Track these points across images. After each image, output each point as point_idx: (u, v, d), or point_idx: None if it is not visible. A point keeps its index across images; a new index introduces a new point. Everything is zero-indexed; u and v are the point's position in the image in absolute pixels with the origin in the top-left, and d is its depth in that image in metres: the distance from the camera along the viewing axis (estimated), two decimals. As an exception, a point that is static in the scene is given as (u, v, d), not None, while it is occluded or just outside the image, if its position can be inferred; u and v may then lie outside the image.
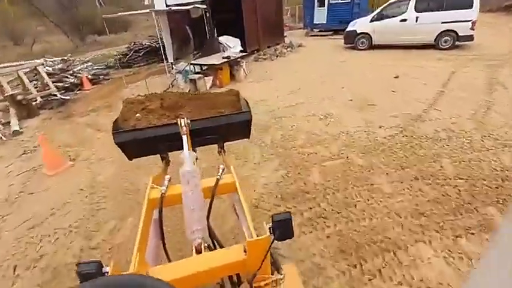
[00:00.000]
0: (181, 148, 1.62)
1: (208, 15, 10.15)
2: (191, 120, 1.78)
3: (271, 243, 1.11)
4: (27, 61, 10.17)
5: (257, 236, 1.18)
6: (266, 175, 3.93)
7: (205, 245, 1.36)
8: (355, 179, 3.66)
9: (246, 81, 8.67)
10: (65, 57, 10.06)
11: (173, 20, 10.29)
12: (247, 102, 2.10)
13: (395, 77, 7.54)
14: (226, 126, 1.93)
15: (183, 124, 1.69)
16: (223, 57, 8.44)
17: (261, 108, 6.34)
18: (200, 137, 1.90)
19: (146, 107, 2.11)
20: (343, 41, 12.19)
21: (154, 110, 2.09)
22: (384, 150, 4.23)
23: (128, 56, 13.53)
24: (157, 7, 9.88)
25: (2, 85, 8.07)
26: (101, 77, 10.33)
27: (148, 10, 8.61)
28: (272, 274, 1.21)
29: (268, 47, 12.67)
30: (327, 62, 10.10)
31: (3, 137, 6.04)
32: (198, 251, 1.30)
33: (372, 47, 11.27)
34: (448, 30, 9.85)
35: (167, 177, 1.54)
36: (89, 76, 9.79)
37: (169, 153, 2.06)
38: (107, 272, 1.01)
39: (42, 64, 9.19)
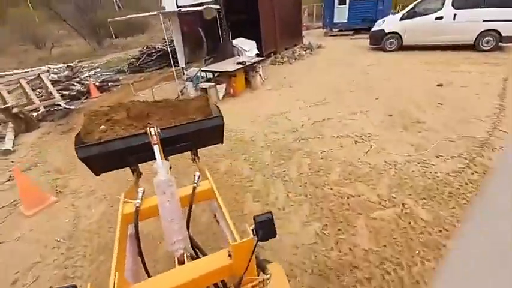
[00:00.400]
0: (153, 158, 1.57)
1: (221, 16, 9.11)
2: (161, 129, 1.71)
3: (256, 245, 1.08)
4: (36, 67, 9.48)
5: (240, 239, 1.14)
6: (294, 231, 2.83)
7: (188, 254, 1.33)
8: (421, 244, 2.51)
9: (263, 88, 7.60)
10: (71, 64, 9.31)
11: (185, 22, 9.31)
12: (218, 108, 2.04)
13: (439, 85, 6.24)
14: (198, 133, 1.86)
15: (153, 133, 1.62)
16: (237, 63, 7.39)
17: (283, 125, 5.25)
18: (172, 145, 1.83)
19: (111, 118, 1.96)
20: (366, 41, 10.89)
21: (120, 120, 1.95)
22: (451, 194, 3.05)
23: (140, 60, 12.72)
24: (168, 9, 8.94)
25: (3, 95, 7.37)
26: (109, 83, 9.52)
27: (155, 12, 7.66)
28: (258, 275, 1.17)
29: (286, 48, 11.51)
30: (352, 65, 8.85)
31: (-5, 155, 5.27)
32: (181, 262, 1.27)
33: (402, 48, 9.93)
34: (490, 30, 8.40)
35: (141, 189, 1.45)
36: (97, 83, 8.99)
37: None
38: None
39: (48, 71, 8.45)
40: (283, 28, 11.11)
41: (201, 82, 7.28)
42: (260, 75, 7.85)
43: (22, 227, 3.42)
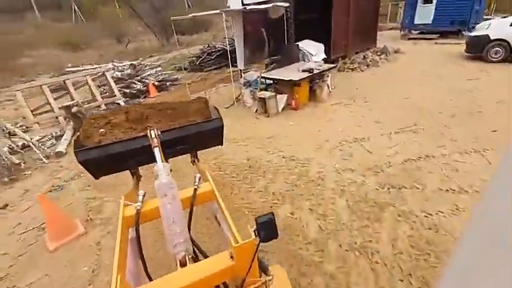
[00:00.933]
0: (153, 161, 1.52)
1: (290, 14, 7.91)
2: (162, 131, 1.68)
3: (258, 246, 1.05)
4: (103, 64, 9.49)
5: (242, 241, 1.09)
6: None
7: (189, 257, 1.27)
8: None
9: (330, 101, 6.23)
10: (135, 62, 9.10)
11: (248, 21, 8.35)
12: (217, 109, 2.01)
13: None
14: (198, 135, 1.83)
15: (153, 136, 1.59)
16: (303, 70, 6.15)
17: (360, 158, 3.88)
18: (172, 147, 1.77)
19: (110, 121, 1.92)
20: (456, 47, 8.70)
21: (119, 123, 1.90)
22: None
23: (200, 59, 12.24)
24: (232, 7, 8.07)
25: (70, 92, 7.31)
26: (168, 83, 9.12)
27: (218, 10, 6.81)
28: (260, 277, 1.14)
29: (356, 52, 9.85)
30: (445, 78, 6.91)
31: (44, 159, 4.97)
32: (183, 264, 1.22)
33: (509, 58, 7.58)
34: None
35: (141, 192, 1.42)
36: (156, 83, 8.63)
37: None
38: None
39: (113, 69, 8.29)
40: (356, 29, 9.45)
41: (259, 90, 6.23)
42: (328, 85, 6.51)
43: (39, 267, 2.76)
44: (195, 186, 1.47)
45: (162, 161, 1.46)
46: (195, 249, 1.43)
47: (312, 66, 6.30)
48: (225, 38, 14.55)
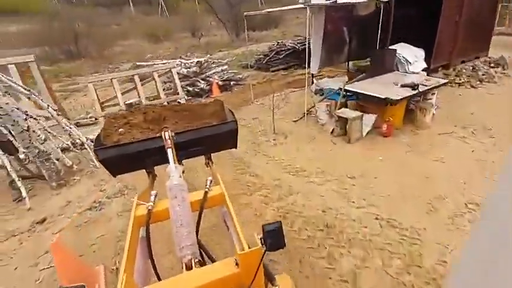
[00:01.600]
0: (168, 161, 1.51)
1: (389, 10, 6.16)
2: (176, 133, 1.69)
3: (264, 255, 1.00)
4: (171, 60, 9.04)
5: (248, 248, 1.04)
6: None
7: (196, 260, 1.18)
8: None
9: (436, 128, 4.46)
10: (201, 59, 8.39)
11: (330, 18, 6.83)
12: (232, 112, 1.97)
13: None
14: (212, 137, 1.79)
15: (167, 137, 1.59)
16: (402, 85, 4.50)
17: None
18: (186, 149, 1.77)
19: (129, 121, 1.91)
20: None
21: (137, 124, 1.90)
22: None
23: (267, 58, 11.11)
24: (317, 1, 6.61)
25: (137, 87, 6.94)
26: (232, 83, 8.24)
27: (302, 5, 5.50)
28: (266, 286, 1.11)
29: (463, 61, 7.50)
30: None
31: (96, 163, 4.46)
32: (189, 268, 1.13)
33: None
34: None
35: (153, 192, 1.40)
36: (220, 82, 7.82)
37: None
38: None
39: (180, 65, 7.73)
40: (467, 31, 7.13)
41: (339, 106, 4.79)
42: (432, 105, 4.71)
43: None
44: (206, 189, 1.41)
45: (175, 163, 1.46)
46: (203, 253, 1.36)
47: (415, 80, 4.57)
48: (296, 36, 13.13)
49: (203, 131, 1.76)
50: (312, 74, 7.47)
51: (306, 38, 8.26)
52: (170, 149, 1.53)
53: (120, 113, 2.10)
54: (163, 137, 1.58)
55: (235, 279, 1.01)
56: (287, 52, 10.80)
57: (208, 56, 7.86)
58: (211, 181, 1.45)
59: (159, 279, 1.25)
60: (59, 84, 13.05)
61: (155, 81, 7.04)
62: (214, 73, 8.06)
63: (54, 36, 20.92)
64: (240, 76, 8.98)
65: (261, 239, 1.00)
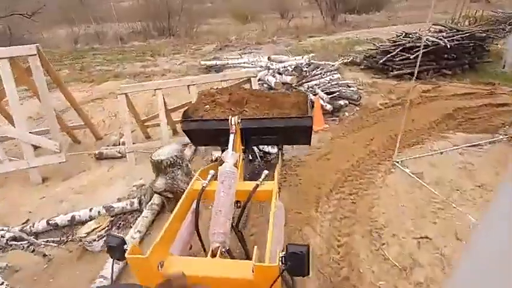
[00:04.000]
0: (241, 143, 1.58)
1: None
2: (250, 119, 1.72)
3: (280, 274, 0.91)
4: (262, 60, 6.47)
5: (269, 262, 0.97)
6: None
7: (223, 250, 1.17)
8: None
9: None
10: (303, 60, 5.16)
11: None
12: (312, 106, 1.95)
13: None
14: (285, 129, 1.75)
15: (233, 122, 1.58)
16: None
17: None
18: (258, 135, 1.77)
19: (216, 99, 1.97)
20: None
21: (222, 103, 1.95)
22: None
23: (387, 56, 7.51)
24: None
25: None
26: (342, 102, 4.92)
27: None
28: None
29: None
30: None
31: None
32: (213, 255, 1.14)
33: None
34: None
35: (212, 172, 1.42)
36: (327, 105, 4.74)
37: None
38: (126, 250, 0.97)
39: (268, 69, 5.05)
40: None
41: None
42: None
43: None
44: (258, 182, 1.37)
45: (234, 149, 1.48)
46: (241, 245, 1.35)
47: None
48: (435, 24, 8.69)
49: (276, 121, 1.72)
50: None
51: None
52: (233, 134, 1.55)
53: (210, 90, 2.05)
54: (229, 122, 1.58)
55: (249, 286, 0.96)
56: (425, 50, 6.99)
57: (310, 56, 4.89)
58: (266, 175, 1.39)
59: (205, 251, 1.31)
60: (141, 64, 12.03)
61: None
62: (317, 85, 5.01)
63: (153, 12, 20.82)
64: (354, 89, 5.65)
65: (282, 257, 0.91)
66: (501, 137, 3.64)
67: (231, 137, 1.52)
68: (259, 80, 4.65)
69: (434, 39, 6.90)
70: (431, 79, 7.03)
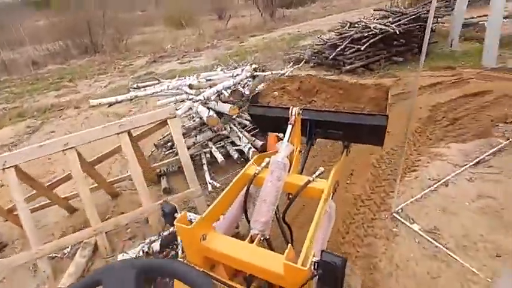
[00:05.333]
0: (303, 134, 1.51)
1: None
2: (315, 110, 1.61)
3: (309, 279, 0.83)
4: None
5: (301, 265, 0.88)
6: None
7: (262, 239, 1.14)
8: None
9: None
10: (249, 70, 3.77)
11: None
12: (389, 105, 1.61)
13: None
14: (354, 126, 1.53)
15: (293, 113, 1.48)
16: None
17: None
18: (323, 128, 1.63)
19: (285, 87, 1.92)
20: None
21: (291, 91, 1.90)
22: None
23: (337, 50, 6.63)
24: None
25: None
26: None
27: None
28: None
29: None
30: None
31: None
32: (251, 241, 1.12)
33: None
34: None
35: (267, 159, 1.38)
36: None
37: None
38: (176, 217, 1.03)
39: (192, 100, 3.62)
40: None
41: None
42: None
43: None
44: (310, 178, 1.30)
45: (289, 141, 1.40)
46: (284, 238, 1.32)
47: None
48: (380, 10, 7.94)
49: (341, 116, 1.55)
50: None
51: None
52: (291, 125, 1.45)
53: (281, 78, 2.01)
54: (290, 112, 1.47)
55: (279, 279, 0.94)
56: (375, 38, 6.24)
57: (253, 67, 3.59)
58: (321, 172, 1.34)
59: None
60: (57, 93, 9.58)
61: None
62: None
63: (71, 27, 17.62)
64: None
65: (315, 262, 0.83)
66: (503, 142, 2.79)
67: (289, 127, 1.41)
68: (187, 113, 3.23)
69: (382, 26, 6.16)
70: (383, 69, 6.35)
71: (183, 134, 3.12)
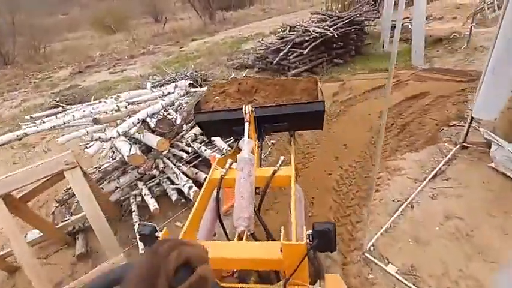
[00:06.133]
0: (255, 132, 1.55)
1: None
2: (262, 107, 1.66)
3: (308, 252, 0.90)
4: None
5: (296, 240, 0.98)
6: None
7: (249, 233, 1.14)
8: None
9: None
10: (188, 87, 3.04)
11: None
12: (321, 92, 1.76)
13: None
14: (297, 115, 1.67)
15: (247, 111, 1.55)
16: None
17: None
18: (268, 123, 1.71)
19: (225, 90, 1.92)
20: None
21: (231, 94, 1.90)
22: None
23: (281, 55, 6.36)
24: None
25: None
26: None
27: None
28: (313, 283, 0.99)
29: None
30: None
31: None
32: (240, 238, 1.13)
33: None
34: None
35: (229, 161, 1.41)
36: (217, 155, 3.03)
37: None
38: (159, 237, 0.98)
39: (101, 140, 2.77)
40: None
41: None
42: None
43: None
44: (275, 168, 1.36)
45: (250, 137, 1.47)
46: (264, 229, 1.29)
47: None
48: (317, 13, 7.89)
49: (286, 108, 1.65)
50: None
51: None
52: (247, 123, 1.51)
53: (220, 82, 2.08)
54: (243, 111, 1.53)
55: (277, 265, 0.98)
56: (315, 42, 6.11)
57: (187, 83, 2.93)
58: (283, 160, 1.39)
59: (227, 236, 1.35)
60: None
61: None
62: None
63: None
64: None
65: (309, 235, 0.92)
66: (453, 148, 2.72)
67: (246, 125, 1.49)
68: (102, 150, 2.41)
69: (321, 29, 6.07)
70: (327, 72, 6.31)
71: (100, 179, 2.33)
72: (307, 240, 0.91)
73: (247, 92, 1.88)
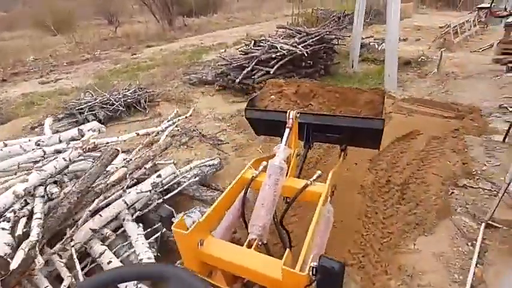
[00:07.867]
0: (301, 137, 1.49)
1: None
2: (313, 114, 1.60)
3: (309, 284, 0.81)
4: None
5: (299, 270, 0.86)
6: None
7: (259, 243, 1.10)
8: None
9: None
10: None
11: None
12: (384, 109, 1.63)
13: None
14: (351, 129, 1.54)
15: (290, 116, 1.46)
16: None
17: None
18: (321, 132, 1.62)
19: (282, 90, 1.89)
20: None
21: (288, 95, 1.87)
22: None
23: (245, 71, 5.29)
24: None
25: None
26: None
27: None
28: None
29: None
30: None
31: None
32: (249, 246, 1.08)
33: None
34: None
35: (264, 163, 1.34)
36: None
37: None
38: (173, 222, 0.98)
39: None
40: None
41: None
42: None
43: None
44: (308, 182, 1.25)
45: (289, 144, 1.40)
46: (282, 242, 1.27)
47: None
48: (280, 28, 6.72)
49: (339, 120, 1.54)
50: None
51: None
52: (288, 129, 1.43)
53: (279, 81, 1.95)
54: (287, 116, 1.45)
55: (276, 285, 0.91)
56: (281, 61, 5.16)
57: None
58: (319, 176, 1.28)
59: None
60: None
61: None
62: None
63: None
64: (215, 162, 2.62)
65: (312, 267, 0.82)
66: (476, 227, 1.89)
67: (286, 131, 1.41)
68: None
69: (289, 46, 5.15)
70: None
71: None
72: (310, 273, 0.81)
73: (305, 95, 1.82)
